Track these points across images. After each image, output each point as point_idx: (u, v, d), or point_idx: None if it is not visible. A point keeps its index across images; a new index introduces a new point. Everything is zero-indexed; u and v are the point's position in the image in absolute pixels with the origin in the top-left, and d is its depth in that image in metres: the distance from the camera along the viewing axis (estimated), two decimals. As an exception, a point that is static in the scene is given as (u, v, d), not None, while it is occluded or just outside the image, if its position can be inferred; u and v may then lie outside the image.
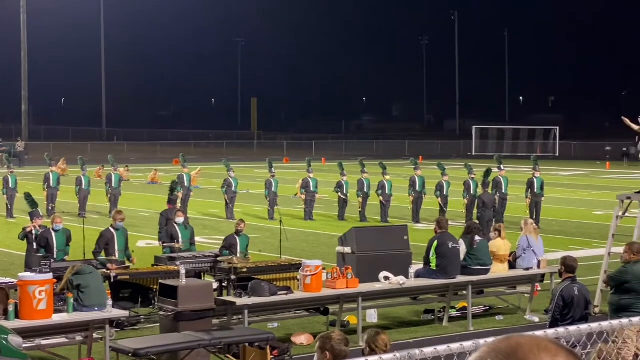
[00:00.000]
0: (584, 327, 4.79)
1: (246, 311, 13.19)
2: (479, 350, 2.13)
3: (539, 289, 16.43)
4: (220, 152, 72.33)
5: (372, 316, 15.23)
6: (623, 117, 16.09)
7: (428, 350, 4.19)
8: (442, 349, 4.25)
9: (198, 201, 34.04)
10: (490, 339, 4.43)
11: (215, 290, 14.53)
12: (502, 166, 29.49)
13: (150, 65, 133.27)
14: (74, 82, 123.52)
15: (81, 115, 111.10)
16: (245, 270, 14.92)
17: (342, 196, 30.61)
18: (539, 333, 4.72)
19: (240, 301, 13.26)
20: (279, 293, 13.72)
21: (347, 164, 37.72)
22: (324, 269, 14.25)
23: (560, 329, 4.66)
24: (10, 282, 13.57)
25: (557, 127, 79.33)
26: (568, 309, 10.65)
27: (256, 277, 14.55)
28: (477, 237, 15.48)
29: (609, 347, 7.38)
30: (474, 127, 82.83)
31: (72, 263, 14.14)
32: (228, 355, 12.33)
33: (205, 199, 35.97)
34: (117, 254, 16.19)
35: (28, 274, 12.49)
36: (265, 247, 22.33)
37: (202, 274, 15.87)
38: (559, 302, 10.66)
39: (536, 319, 15.45)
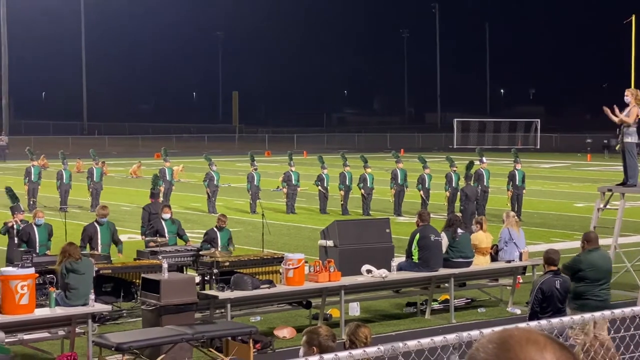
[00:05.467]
0: (566, 319, 4.83)
1: (229, 305, 13.19)
2: (478, 340, 2.16)
3: (521, 281, 16.51)
4: (202, 146, 72.23)
5: (355, 309, 15.26)
6: (604, 107, 16.17)
7: (412, 344, 4.21)
8: (425, 342, 4.27)
9: (180, 195, 34.00)
10: (472, 332, 4.46)
11: (197, 284, 14.52)
12: (484, 159, 29.58)
13: (131, 59, 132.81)
14: (55, 76, 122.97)
15: (62, 109, 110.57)
16: (227, 264, 14.91)
17: (322, 189, 30.62)
18: (522, 325, 4.75)
19: (223, 295, 13.26)
20: (262, 287, 13.72)
21: (329, 157, 37.74)
22: (306, 262, 14.26)
23: (543, 321, 4.69)
24: (-9, 277, 13.50)
25: (538, 120, 79.67)
26: (547, 302, 10.70)
27: (238, 270, 14.56)
28: (459, 230, 15.52)
29: (590, 338, 7.45)
30: (455, 120, 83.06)
31: (54, 258, 14.09)
32: (211, 349, 12.32)
33: (187, 193, 35.92)
34: (99, 248, 16.16)
35: (10, 268, 12.43)
36: (248, 241, 22.34)
37: (184, 267, 15.86)
38: (537, 295, 10.72)
39: (518, 312, 15.53)
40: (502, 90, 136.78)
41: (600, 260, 11.57)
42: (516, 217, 17.69)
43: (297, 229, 26.64)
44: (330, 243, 16.08)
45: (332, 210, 30.27)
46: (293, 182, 30.78)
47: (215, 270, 14.82)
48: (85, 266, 12.71)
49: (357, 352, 4.16)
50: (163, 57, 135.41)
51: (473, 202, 26.99)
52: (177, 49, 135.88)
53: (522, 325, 4.76)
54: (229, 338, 12.13)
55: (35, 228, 16.61)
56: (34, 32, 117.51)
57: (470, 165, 28.16)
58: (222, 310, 13.41)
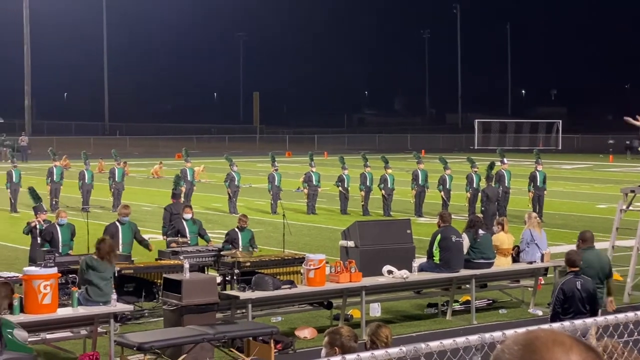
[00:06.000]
0: (589, 320, 4.81)
1: (250, 305, 13.22)
2: (503, 342, 2.16)
3: (543, 282, 16.45)
4: (223, 147, 72.34)
5: (376, 310, 15.25)
6: (625, 118, 16.10)
7: (434, 344, 4.21)
8: (447, 343, 4.27)
9: (201, 195, 34.09)
10: (494, 333, 4.45)
11: (218, 284, 14.55)
12: (505, 159, 29.49)
13: (153, 60, 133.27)
14: (77, 77, 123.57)
15: (84, 110, 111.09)
16: (248, 264, 14.94)
17: (342, 190, 30.63)
18: (546, 326, 4.74)
19: (244, 295, 13.29)
20: (283, 287, 13.74)
21: (349, 158, 37.74)
22: (327, 262, 14.27)
23: (566, 323, 4.67)
24: (15, 277, 13.62)
25: (560, 121, 79.25)
26: (569, 302, 10.68)
27: (260, 271, 14.58)
28: (480, 231, 15.50)
29: (614, 341, 7.38)
30: (476, 120, 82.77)
31: (76, 257, 14.17)
32: (232, 349, 12.35)
33: (208, 193, 36.00)
34: (121, 247, 16.21)
35: (33, 268, 12.49)
36: (269, 241, 22.36)
37: (206, 268, 15.89)
38: (559, 295, 10.72)
39: (539, 313, 15.47)
40: (523, 91, 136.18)
41: (595, 258, 11.90)
42: (538, 218, 17.62)
43: (317, 230, 26.65)
44: (351, 244, 16.07)
45: (353, 211, 30.26)
46: (314, 182, 30.81)
47: (236, 271, 14.84)
48: (106, 266, 12.79)
49: (379, 352, 4.17)
50: (184, 58, 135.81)
51: (494, 203, 26.91)
52: (198, 49, 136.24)
53: (546, 326, 4.75)
54: (250, 338, 12.16)
55: (58, 228, 16.70)
56: (56, 33, 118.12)
57: (491, 166, 28.08)
58: (243, 311, 13.44)
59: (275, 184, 30.58)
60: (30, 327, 11.27)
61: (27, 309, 11.67)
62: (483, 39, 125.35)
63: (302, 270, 14.21)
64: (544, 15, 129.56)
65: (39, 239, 16.85)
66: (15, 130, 74.11)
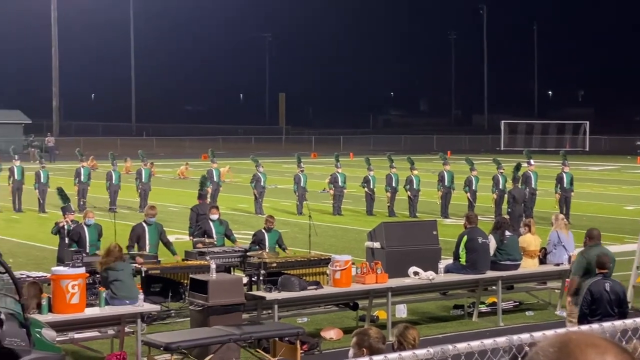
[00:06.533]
0: (618, 323, 4.79)
1: (276, 306, 13.25)
2: (538, 344, 2.16)
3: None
4: (249, 147, 72.52)
5: (402, 311, 15.24)
6: None
7: (461, 346, 4.21)
8: (475, 344, 4.26)
9: (227, 196, 34.18)
10: (522, 335, 4.44)
11: (245, 285, 14.59)
12: (531, 161, 29.37)
13: (179, 61, 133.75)
14: (104, 78, 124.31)
15: (111, 111, 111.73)
16: (274, 265, 14.97)
17: (368, 191, 30.63)
18: (573, 328, 4.73)
19: (270, 296, 13.32)
20: (309, 288, 13.76)
21: (375, 159, 37.71)
22: (353, 263, 14.27)
23: (595, 325, 4.66)
24: (43, 276, 13.71)
25: (587, 122, 78.78)
26: (596, 304, 10.65)
27: (286, 272, 14.60)
28: (507, 232, 15.45)
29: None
30: (503, 121, 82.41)
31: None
32: (258, 350, 12.38)
33: (234, 194, 36.09)
34: (147, 248, 16.29)
35: (61, 268, 12.57)
36: (294, 242, 22.38)
37: (232, 268, 15.93)
38: (587, 296, 10.70)
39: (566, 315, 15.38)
40: (550, 92, 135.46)
41: (601, 255, 11.79)
42: (565, 220, 17.52)
43: (343, 231, 26.65)
44: (377, 245, 16.05)
45: (379, 212, 30.24)
46: (340, 183, 30.82)
47: (262, 271, 14.87)
48: (121, 264, 12.91)
49: (406, 354, 4.17)
50: (210, 59, 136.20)
51: (520, 204, 26.80)
52: (224, 50, 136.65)
53: (575, 328, 4.74)
54: (277, 339, 12.18)
55: (85, 228, 16.80)
56: (83, 34, 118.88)
57: (518, 167, 27.98)
58: (270, 311, 13.47)
59: (301, 185, 30.62)
60: (58, 327, 11.35)
61: (55, 308, 11.76)
62: (509, 40, 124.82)
63: (328, 271, 14.22)
64: (571, 16, 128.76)
65: (66, 239, 16.95)
66: (43, 131, 74.67)
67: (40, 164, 33.19)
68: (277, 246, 16.77)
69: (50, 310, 11.74)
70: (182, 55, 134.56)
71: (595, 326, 4.66)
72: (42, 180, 31.10)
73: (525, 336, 4.35)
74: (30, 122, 74.57)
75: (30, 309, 11.16)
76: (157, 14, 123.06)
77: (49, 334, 10.54)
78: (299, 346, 12.06)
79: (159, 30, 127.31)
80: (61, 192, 18.83)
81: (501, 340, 4.28)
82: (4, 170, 32.20)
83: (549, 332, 4.57)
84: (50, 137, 66.21)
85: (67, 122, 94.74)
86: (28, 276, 13.76)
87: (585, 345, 2.04)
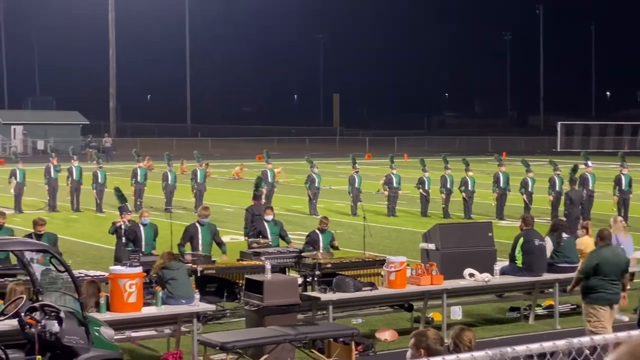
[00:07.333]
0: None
1: (331, 307, 13.25)
2: (617, 350, 2.14)
3: (629, 287, 16.10)
4: (303, 148, 72.67)
5: (457, 313, 15.15)
6: None
7: (520, 349, 4.16)
8: (534, 347, 4.21)
9: (281, 197, 34.28)
10: (582, 338, 4.38)
11: (299, 285, 14.62)
12: (589, 162, 29.02)
13: (234, 62, 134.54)
14: (160, 79, 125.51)
15: (166, 111, 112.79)
16: (329, 265, 14.97)
17: (423, 192, 30.52)
18: (622, 334, 4.65)
19: (325, 296, 13.33)
20: (363, 289, 13.75)
21: (430, 160, 37.55)
22: (408, 265, 14.23)
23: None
24: (101, 275, 13.88)
25: (646, 123, 77.61)
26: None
27: (340, 272, 14.60)
28: (564, 234, 15.30)
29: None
30: (559, 122, 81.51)
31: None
32: (313, 350, 12.40)
33: (288, 195, 36.19)
34: (200, 248, 16.39)
35: (119, 267, 12.71)
36: (349, 243, 22.38)
37: (287, 269, 15.98)
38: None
39: (625, 318, 15.16)
40: (608, 93, 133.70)
41: (611, 255, 12.03)
42: (624, 222, 17.30)
43: (397, 232, 26.58)
44: (432, 246, 15.98)
45: (433, 214, 30.11)
46: (394, 184, 30.76)
47: (317, 272, 14.89)
48: (177, 264, 13.05)
49: (464, 356, 4.14)
50: (265, 60, 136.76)
51: (578, 206, 26.49)
52: (279, 51, 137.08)
53: (636, 332, 4.66)
54: (331, 339, 12.19)
55: (141, 227, 16.97)
56: (139, 36, 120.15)
57: (575, 169, 27.67)
58: (324, 312, 13.48)
59: (356, 186, 30.60)
60: (116, 325, 11.47)
61: (113, 307, 11.90)
62: (566, 40, 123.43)
63: (382, 273, 14.20)
64: (629, 15, 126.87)
65: (123, 238, 17.14)
66: (101, 131, 75.62)
67: (98, 164, 33.60)
68: (330, 247, 16.78)
69: (108, 308, 11.87)
70: (236, 56, 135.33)
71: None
72: (99, 181, 31.48)
73: (585, 339, 4.30)
74: (88, 123, 75.62)
75: (89, 307, 11.31)
76: (212, 15, 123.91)
77: (107, 332, 10.66)
78: (353, 347, 12.05)
79: (213, 32, 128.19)
80: (118, 192, 19.04)
81: (561, 343, 4.23)
82: (62, 170, 32.67)
83: (610, 336, 4.51)
84: (108, 137, 67.03)
85: (123, 123, 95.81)
86: (86, 275, 13.94)
87: None
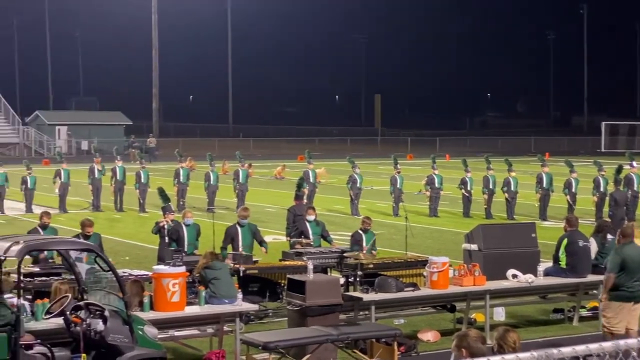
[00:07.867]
0: None
1: (373, 307, 13.24)
2: None
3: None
4: (344, 149, 72.65)
5: (500, 314, 15.07)
6: None
7: (566, 350, 4.14)
8: (580, 349, 4.19)
9: (323, 197, 34.31)
10: (629, 340, 4.34)
11: (342, 285, 14.62)
12: (634, 163, 28.70)
13: (275, 63, 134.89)
14: (202, 80, 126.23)
15: (208, 112, 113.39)
16: (371, 266, 14.95)
17: (465, 193, 30.39)
18: None
19: (367, 297, 13.32)
20: (406, 289, 13.72)
21: (472, 161, 37.38)
22: (450, 265, 14.17)
23: None
24: (144, 275, 13.99)
25: (692, 123, 76.58)
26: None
27: (382, 273, 14.58)
28: (608, 236, 15.14)
29: None
30: (603, 123, 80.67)
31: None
32: (355, 350, 12.40)
33: (330, 195, 36.21)
34: (241, 249, 16.43)
35: (162, 266, 12.80)
36: (391, 244, 22.35)
37: (329, 269, 15.98)
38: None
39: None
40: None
41: (635, 252, 11.87)
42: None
43: (439, 232, 26.49)
44: (474, 247, 15.89)
45: (476, 214, 29.97)
46: (436, 185, 30.67)
47: (359, 272, 14.88)
48: (219, 263, 13.13)
49: (509, 357, 4.13)
50: (306, 60, 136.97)
51: (622, 207, 26.22)
52: (320, 52, 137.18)
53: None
54: (374, 340, 12.18)
55: (184, 227, 17.07)
56: (182, 36, 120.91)
57: (619, 169, 27.38)
58: (366, 312, 13.47)
59: (397, 186, 30.54)
60: (160, 324, 11.55)
61: (156, 306, 11.98)
62: (610, 39, 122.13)
63: (425, 273, 14.15)
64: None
65: (166, 238, 17.24)
66: (144, 132, 76.27)
67: (141, 164, 33.86)
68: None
69: (151, 308, 11.96)
70: (278, 57, 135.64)
71: None
72: (142, 181, 31.73)
73: (632, 341, 4.26)
74: (131, 123, 76.24)
75: (133, 306, 11.40)
76: (253, 15, 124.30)
77: (150, 331, 10.74)
78: (396, 348, 12.03)
79: (256, 32, 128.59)
80: (162, 192, 19.16)
81: (607, 345, 4.20)
82: (107, 170, 33.00)
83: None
84: (152, 138, 67.53)
85: (166, 123, 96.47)
86: (130, 274, 14.05)
87: None
